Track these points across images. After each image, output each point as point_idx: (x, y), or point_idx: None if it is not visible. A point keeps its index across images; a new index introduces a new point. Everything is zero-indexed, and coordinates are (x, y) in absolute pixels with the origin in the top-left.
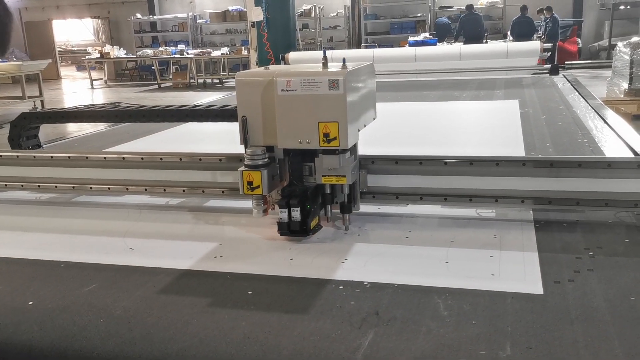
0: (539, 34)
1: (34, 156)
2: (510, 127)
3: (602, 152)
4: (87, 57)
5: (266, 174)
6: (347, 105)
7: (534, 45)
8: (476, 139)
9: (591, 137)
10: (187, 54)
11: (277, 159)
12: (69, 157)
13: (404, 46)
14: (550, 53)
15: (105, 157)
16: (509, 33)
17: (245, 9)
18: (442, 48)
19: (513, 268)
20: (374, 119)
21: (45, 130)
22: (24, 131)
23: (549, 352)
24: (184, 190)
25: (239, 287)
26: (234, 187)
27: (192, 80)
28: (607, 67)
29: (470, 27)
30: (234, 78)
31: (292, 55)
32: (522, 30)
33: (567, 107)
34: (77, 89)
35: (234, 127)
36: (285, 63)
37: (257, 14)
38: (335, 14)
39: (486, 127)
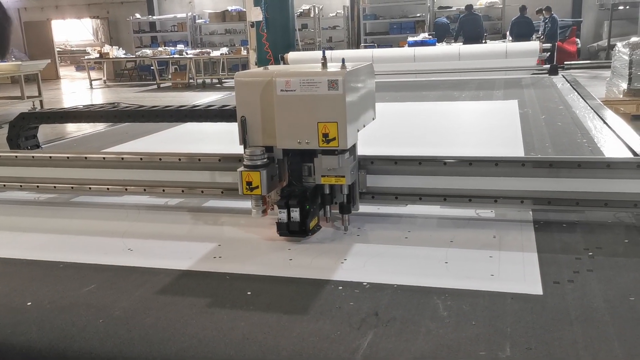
0: (538, 34)
1: (33, 156)
2: (510, 127)
3: (601, 153)
4: (86, 57)
5: (265, 175)
6: (347, 106)
7: (533, 45)
8: (475, 139)
9: (590, 138)
10: (187, 54)
11: (276, 159)
12: (68, 157)
13: (403, 46)
14: (549, 53)
15: (104, 158)
16: (508, 33)
17: (244, 9)
18: (442, 48)
19: (512, 268)
20: (373, 119)
21: (45, 131)
22: (23, 131)
23: (548, 352)
24: (183, 191)
25: (238, 288)
26: (233, 188)
27: (191, 81)
28: (606, 68)
29: (470, 28)
30: (233, 78)
31: (291, 55)
32: (521, 30)
33: (566, 107)
34: (76, 89)
35: (233, 128)
36: (284, 63)
37: (256, 14)
38: (334, 14)
39: (485, 127)
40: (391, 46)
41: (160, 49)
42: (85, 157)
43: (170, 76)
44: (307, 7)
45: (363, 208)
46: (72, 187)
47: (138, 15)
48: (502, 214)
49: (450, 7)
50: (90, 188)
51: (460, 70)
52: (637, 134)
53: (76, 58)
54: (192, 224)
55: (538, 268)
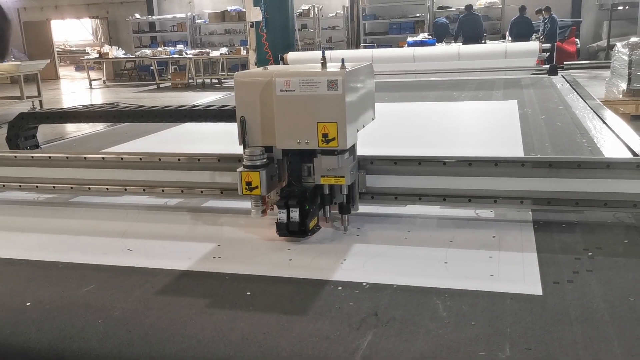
0: (538, 34)
1: (32, 156)
2: (509, 127)
3: (600, 153)
4: (85, 57)
5: (265, 175)
6: (346, 106)
7: (533, 45)
8: (475, 139)
9: (590, 138)
10: (186, 54)
11: (276, 159)
12: (67, 157)
13: (402, 46)
14: (548, 53)
15: (103, 158)
16: (507, 33)
17: (244, 9)
18: (441, 48)
19: (512, 269)
20: (372, 119)
21: (44, 131)
22: (22, 131)
23: (548, 353)
24: (182, 191)
25: (237, 288)
26: (232, 188)
27: (190, 81)
28: (606, 68)
29: (469, 28)
30: (232, 78)
31: (290, 55)
32: (521, 30)
33: (565, 107)
34: (75, 89)
35: (232, 128)
36: (284, 63)
37: (255, 14)
38: (334, 14)
39: (485, 127)
40: (391, 46)
41: (159, 49)
42: (85, 157)
43: (169, 76)
44: (307, 7)
45: (362, 208)
46: (71, 187)
47: (137, 15)
48: (501, 214)
49: (450, 7)
50: (89, 188)
51: (459, 71)
52: (636, 134)
53: (75, 58)
54: (191, 224)
55: (538, 268)
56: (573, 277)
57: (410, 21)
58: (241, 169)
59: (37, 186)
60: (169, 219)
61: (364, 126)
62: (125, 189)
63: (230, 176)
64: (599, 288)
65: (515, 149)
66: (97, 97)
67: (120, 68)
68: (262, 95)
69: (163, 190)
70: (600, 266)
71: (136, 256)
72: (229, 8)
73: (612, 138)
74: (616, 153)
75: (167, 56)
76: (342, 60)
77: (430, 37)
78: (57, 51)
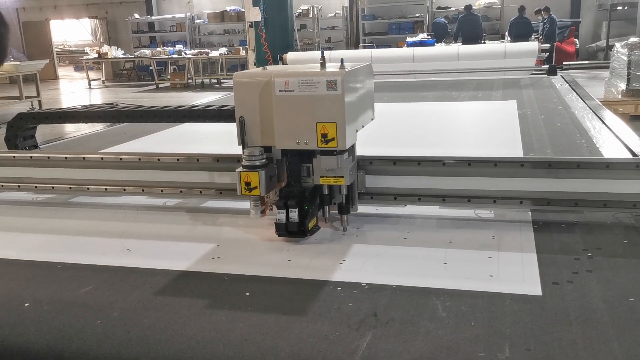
0: (537, 34)
1: (31, 157)
2: (508, 127)
3: (600, 153)
4: (84, 57)
5: (264, 175)
6: (345, 106)
7: (532, 46)
8: (474, 139)
9: (589, 138)
10: (185, 54)
11: (275, 159)
12: (66, 157)
13: (402, 47)
14: (548, 54)
15: (102, 158)
16: (506, 34)
17: (243, 10)
18: (440, 48)
19: (511, 269)
20: (372, 119)
21: (43, 131)
22: (21, 131)
23: (547, 353)
24: (181, 191)
25: (236, 289)
26: (231, 188)
27: (190, 81)
28: (605, 68)
29: (469, 28)
30: (231, 78)
31: (290, 55)
32: (520, 30)
33: (565, 107)
34: (74, 89)
35: (231, 128)
36: (283, 63)
37: (255, 14)
38: (333, 15)
39: (484, 127)
40: (390, 46)
41: (158, 49)
42: (84, 158)
43: (168, 76)
44: (306, 8)
45: (362, 208)
46: (70, 188)
47: (137, 16)
48: (501, 215)
49: (449, 8)
50: (88, 188)
51: (459, 71)
52: (635, 135)
53: (75, 58)
54: (190, 225)
55: (537, 269)
56: (572, 277)
57: (410, 21)
58: (240, 169)
59: (35, 186)
60: (168, 219)
61: (363, 126)
62: (124, 189)
63: (229, 176)
64: (599, 288)
65: (514, 149)
66: (96, 97)
67: (120, 68)
68: (262, 95)
69: (162, 191)
70: (600, 266)
71: (135, 256)
72: (228, 8)
73: (611, 138)
74: (615, 153)
75: (166, 56)
76: (342, 61)
77: (429, 37)
78: (56, 51)
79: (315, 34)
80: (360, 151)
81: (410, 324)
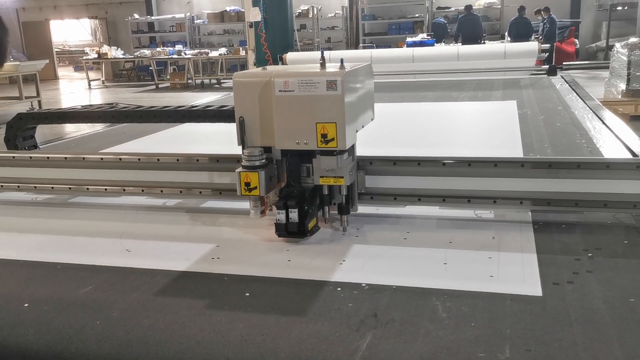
0: (537, 34)
1: (31, 157)
2: (508, 128)
3: (600, 153)
4: (84, 57)
5: (264, 175)
6: (345, 106)
7: (532, 46)
8: (474, 139)
9: (589, 138)
10: (185, 54)
11: (275, 159)
12: (66, 157)
13: (401, 47)
14: (548, 54)
15: (102, 158)
16: (506, 34)
17: (243, 10)
18: (440, 49)
19: (512, 269)
20: (372, 119)
21: (43, 131)
22: (21, 132)
23: (548, 354)
24: (181, 191)
25: (236, 289)
26: (231, 188)
27: (189, 81)
28: (605, 68)
29: (469, 28)
30: (231, 79)
31: (289, 55)
32: (520, 31)
33: (565, 108)
34: (74, 90)
35: (231, 128)
36: (283, 63)
37: (254, 15)
38: (333, 15)
39: (484, 128)
40: (390, 47)
41: (158, 49)
42: (83, 158)
43: (168, 76)
44: (306, 8)
45: (362, 209)
46: (69, 188)
47: (136, 16)
48: (501, 215)
49: (449, 8)
50: (88, 189)
51: (459, 71)
52: (635, 135)
53: (74, 58)
54: (190, 225)
55: (537, 269)
56: (573, 278)
57: (409, 21)
58: (240, 169)
59: (35, 187)
60: (168, 219)
61: (363, 126)
62: (124, 190)
63: (229, 177)
64: (599, 289)
65: (514, 150)
66: (96, 97)
67: (119, 68)
68: (261, 95)
69: (162, 191)
70: (600, 267)
71: (135, 257)
72: (228, 8)
73: (611, 138)
74: (615, 153)
75: (166, 56)
76: (341, 61)
77: (429, 37)
78: (56, 51)
79: (315, 34)
80: (360, 151)
81: (411, 325)
